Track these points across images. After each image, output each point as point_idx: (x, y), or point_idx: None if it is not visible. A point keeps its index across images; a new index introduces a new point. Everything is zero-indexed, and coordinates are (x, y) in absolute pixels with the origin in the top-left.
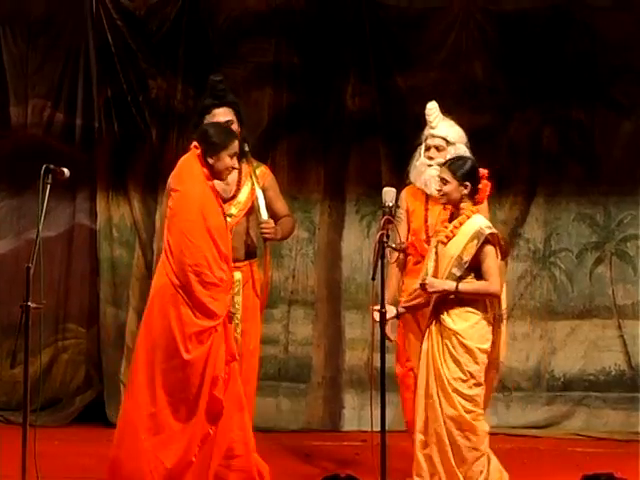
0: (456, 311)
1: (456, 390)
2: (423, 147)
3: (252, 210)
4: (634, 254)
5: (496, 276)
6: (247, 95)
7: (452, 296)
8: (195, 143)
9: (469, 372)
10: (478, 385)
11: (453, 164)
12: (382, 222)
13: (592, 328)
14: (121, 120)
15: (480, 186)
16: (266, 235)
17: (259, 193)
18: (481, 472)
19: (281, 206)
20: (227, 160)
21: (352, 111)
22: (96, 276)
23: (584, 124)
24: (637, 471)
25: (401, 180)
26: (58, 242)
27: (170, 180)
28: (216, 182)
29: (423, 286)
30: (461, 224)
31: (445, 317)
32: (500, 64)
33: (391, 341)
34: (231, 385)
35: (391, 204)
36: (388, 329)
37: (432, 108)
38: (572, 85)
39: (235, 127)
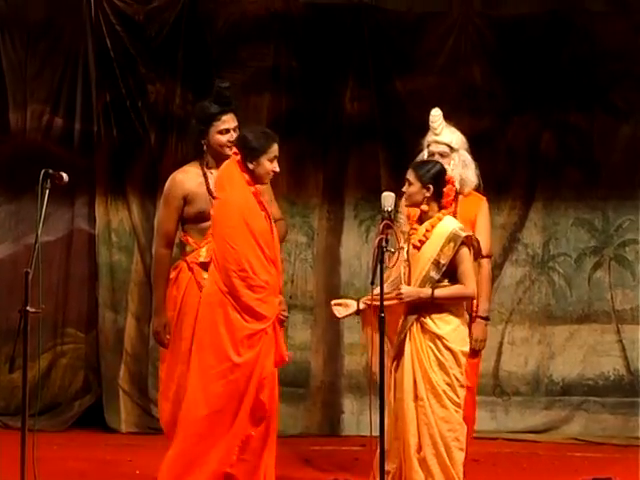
0: (437, 315)
1: (445, 392)
2: (426, 153)
3: None
4: (633, 259)
5: (472, 279)
6: (246, 99)
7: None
8: (235, 149)
9: (453, 375)
10: (462, 387)
11: (419, 166)
12: (381, 227)
13: (591, 333)
14: (120, 125)
15: (445, 190)
16: None
17: None
18: (462, 472)
19: (274, 210)
20: (267, 164)
21: (351, 115)
22: (95, 281)
23: (583, 129)
24: (636, 476)
25: (400, 185)
26: (57, 247)
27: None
28: (212, 187)
29: (399, 296)
30: (433, 227)
31: (428, 321)
32: (499, 69)
33: None
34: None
35: (390, 209)
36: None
37: (436, 115)
38: (571, 90)
39: (233, 134)
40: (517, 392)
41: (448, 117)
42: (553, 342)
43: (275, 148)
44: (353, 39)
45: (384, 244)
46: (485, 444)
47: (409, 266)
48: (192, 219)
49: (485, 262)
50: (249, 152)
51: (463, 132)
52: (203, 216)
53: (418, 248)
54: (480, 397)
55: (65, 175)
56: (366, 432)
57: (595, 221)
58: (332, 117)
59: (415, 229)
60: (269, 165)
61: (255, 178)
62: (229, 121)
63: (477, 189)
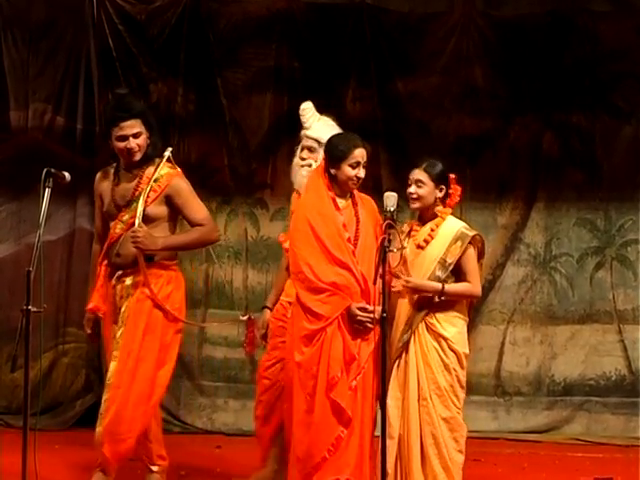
0: (443, 316)
1: (448, 393)
2: (300, 147)
3: (151, 217)
4: (634, 259)
5: (478, 278)
6: (248, 100)
7: (436, 299)
8: (323, 155)
9: (456, 376)
10: (462, 387)
11: (428, 166)
12: (384, 226)
13: (592, 333)
14: None
15: (450, 190)
16: (135, 243)
17: (141, 199)
18: (461, 476)
19: (189, 214)
20: (348, 170)
21: (352, 116)
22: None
23: (584, 129)
24: (637, 476)
25: (402, 184)
26: (59, 246)
27: None
28: (118, 189)
29: (408, 283)
30: (438, 226)
31: (434, 322)
32: (500, 69)
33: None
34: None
35: (392, 209)
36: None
37: (306, 108)
38: (572, 90)
39: (144, 137)
40: (519, 392)
41: (450, 117)
42: (555, 342)
43: (357, 154)
44: (355, 39)
45: (386, 244)
46: (486, 444)
47: (405, 264)
48: (106, 218)
49: None
50: (330, 157)
51: (465, 132)
52: (108, 216)
53: (423, 248)
54: (482, 397)
55: (67, 174)
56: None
57: (597, 221)
58: (334, 117)
59: (417, 229)
60: (351, 171)
61: (338, 183)
62: (126, 128)
63: None
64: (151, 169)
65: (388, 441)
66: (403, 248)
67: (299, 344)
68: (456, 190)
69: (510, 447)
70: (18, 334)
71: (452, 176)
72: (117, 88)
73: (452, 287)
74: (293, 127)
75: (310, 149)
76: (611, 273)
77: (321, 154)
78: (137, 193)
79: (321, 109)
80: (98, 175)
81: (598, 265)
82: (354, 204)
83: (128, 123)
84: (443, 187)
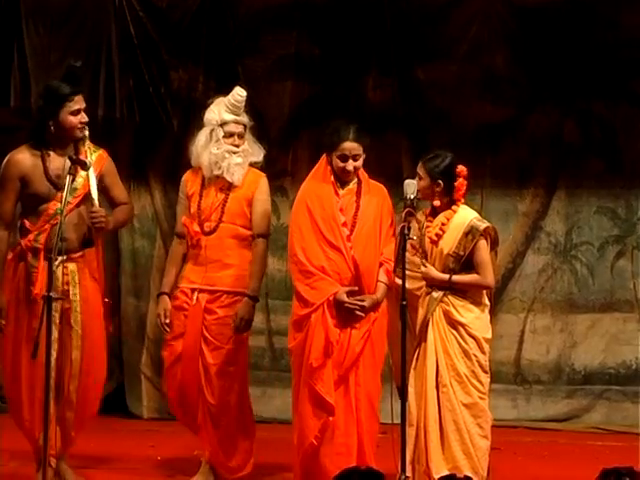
0: (460, 303)
1: (468, 378)
2: (221, 133)
3: (86, 198)
4: None
5: (489, 269)
6: (268, 87)
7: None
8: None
9: (477, 361)
10: (486, 372)
11: (430, 161)
12: (404, 214)
13: (613, 322)
14: (143, 111)
15: (456, 184)
16: (97, 224)
17: (92, 180)
18: (487, 462)
19: (119, 193)
20: (337, 162)
21: (373, 103)
22: (117, 267)
23: (605, 118)
24: None
25: None
26: None
27: None
28: (52, 169)
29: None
30: (448, 219)
31: (451, 309)
32: (521, 57)
33: None
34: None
35: (412, 196)
36: None
37: (244, 96)
38: (593, 78)
39: (84, 115)
40: (538, 381)
41: (470, 105)
42: (575, 331)
43: (344, 147)
44: (375, 27)
45: (406, 231)
46: (506, 432)
47: (426, 257)
48: (28, 202)
49: (260, 241)
50: (324, 146)
51: (485, 120)
52: (39, 199)
53: (435, 242)
54: (502, 385)
55: (88, 160)
56: (387, 420)
57: (618, 209)
58: (354, 105)
59: (430, 222)
60: (339, 163)
61: (333, 170)
62: (80, 102)
63: (259, 166)
64: (81, 149)
65: (407, 429)
66: (423, 235)
67: (292, 330)
68: (462, 185)
69: (530, 436)
70: (40, 321)
71: (461, 170)
72: (71, 60)
73: (460, 278)
74: (314, 115)
75: (240, 135)
76: (632, 262)
77: (248, 139)
78: (76, 173)
79: (341, 97)
80: (15, 157)
81: (619, 254)
82: (358, 191)
83: (81, 97)
84: (441, 182)
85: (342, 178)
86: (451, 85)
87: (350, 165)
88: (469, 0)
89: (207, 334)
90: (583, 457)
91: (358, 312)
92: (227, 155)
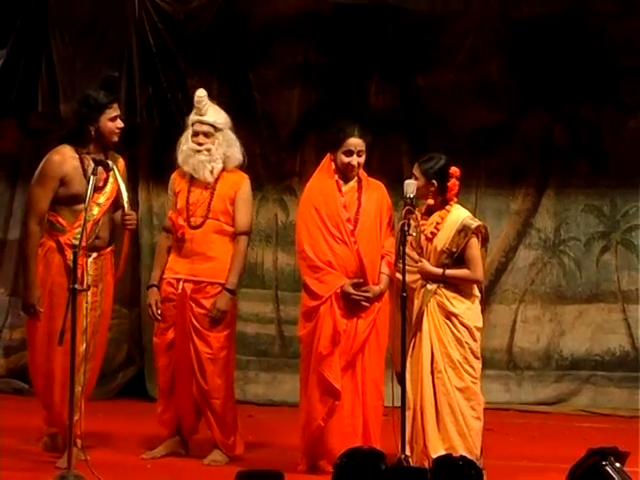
0: (453, 295)
1: (461, 364)
2: (190, 132)
3: (116, 201)
4: (638, 243)
5: (479, 265)
6: (278, 93)
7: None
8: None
9: (470, 348)
10: (477, 358)
11: (425, 162)
12: (403, 212)
13: (598, 312)
14: (161, 116)
15: (449, 184)
16: (130, 226)
17: (122, 185)
18: (480, 441)
19: (124, 197)
20: (342, 157)
21: (375, 109)
22: (138, 261)
23: (592, 122)
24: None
25: None
26: None
27: None
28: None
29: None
30: (443, 218)
31: (444, 301)
32: (514, 65)
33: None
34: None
35: (412, 195)
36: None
37: (202, 96)
38: (581, 85)
39: (120, 121)
40: (529, 367)
41: (467, 110)
42: (563, 320)
43: (350, 142)
44: (378, 37)
45: (406, 228)
46: (499, 415)
47: (422, 253)
48: (65, 201)
49: (242, 239)
50: (329, 144)
51: (480, 124)
52: (77, 199)
53: (430, 240)
54: (495, 371)
55: (110, 162)
56: (388, 403)
57: (603, 208)
58: (358, 110)
59: (425, 220)
60: (345, 158)
61: (337, 168)
62: (117, 109)
63: (241, 167)
64: (108, 153)
65: (406, 411)
66: (421, 232)
67: (302, 319)
68: (454, 185)
69: (521, 418)
70: (65, 311)
71: (454, 170)
72: (109, 70)
73: (452, 273)
74: (320, 119)
75: (206, 134)
76: (616, 256)
77: (218, 138)
78: (107, 177)
79: (346, 102)
80: (56, 158)
81: (604, 249)
82: (359, 188)
83: (117, 104)
84: (435, 182)
85: (346, 174)
86: (449, 91)
87: (355, 160)
88: (466, 12)
89: (197, 324)
90: (571, 438)
91: (364, 302)
92: (191, 153)
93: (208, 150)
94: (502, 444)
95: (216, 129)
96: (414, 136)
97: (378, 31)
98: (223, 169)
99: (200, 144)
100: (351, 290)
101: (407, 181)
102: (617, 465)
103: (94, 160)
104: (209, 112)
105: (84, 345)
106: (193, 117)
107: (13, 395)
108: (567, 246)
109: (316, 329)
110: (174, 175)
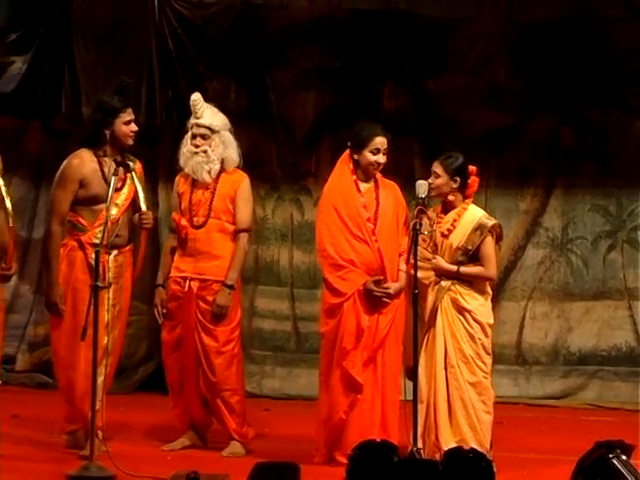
0: (466, 291)
1: (474, 360)
2: (190, 135)
3: (134, 201)
4: None
5: (493, 263)
6: (294, 96)
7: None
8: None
9: (482, 344)
10: (488, 354)
11: (446, 159)
12: (416, 211)
13: (605, 308)
14: (181, 119)
15: (469, 181)
16: (147, 225)
17: (139, 186)
18: (490, 435)
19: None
20: (369, 156)
21: (388, 111)
22: (157, 260)
23: (598, 124)
24: None
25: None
26: None
27: None
28: (108, 173)
29: (431, 263)
30: (459, 216)
31: (458, 297)
32: (522, 70)
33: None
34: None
35: (423, 195)
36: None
37: (197, 99)
38: (588, 89)
39: (134, 125)
40: (538, 362)
41: (476, 113)
42: (571, 317)
43: (377, 141)
44: (390, 42)
45: (418, 227)
46: (508, 408)
47: (436, 250)
48: (84, 201)
49: (242, 236)
50: (353, 144)
51: (490, 126)
52: (96, 199)
53: (446, 236)
54: (504, 366)
55: (132, 163)
56: (401, 396)
57: (610, 207)
58: (371, 112)
59: (441, 218)
60: (371, 157)
61: (360, 168)
62: (131, 113)
63: (238, 167)
64: (125, 155)
65: (418, 405)
66: (433, 231)
67: (324, 316)
68: (474, 182)
69: (529, 411)
70: (87, 307)
71: (472, 168)
72: (124, 77)
73: (466, 270)
74: (335, 121)
75: (203, 136)
76: (622, 254)
77: (215, 140)
78: (125, 178)
79: (360, 105)
80: (75, 162)
81: (610, 247)
82: (376, 188)
83: (131, 109)
84: (458, 179)
85: (370, 172)
86: (459, 95)
87: (381, 158)
88: (475, 18)
89: (202, 319)
90: (578, 431)
91: (385, 299)
92: (189, 155)
93: (204, 152)
94: (511, 437)
95: (212, 131)
96: (425, 138)
97: (391, 36)
98: (222, 170)
99: (197, 146)
100: (373, 287)
101: (419, 181)
102: (623, 457)
103: (115, 161)
104: (205, 115)
105: (106, 339)
106: (191, 120)
107: (37, 389)
108: (574, 245)
109: (340, 325)
110: (178, 177)
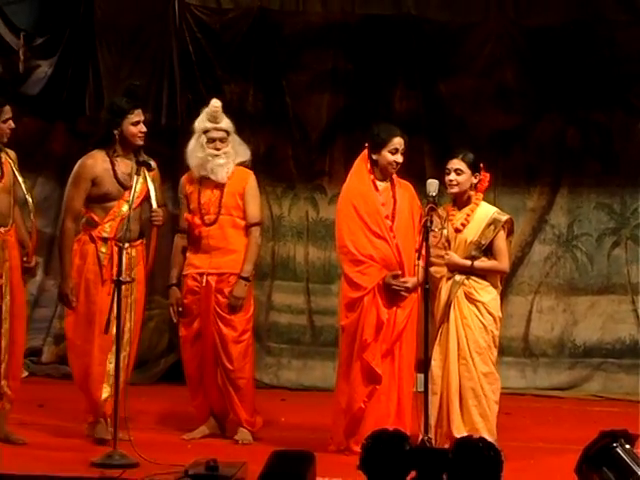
0: (480, 285)
1: (486, 351)
2: (205, 139)
3: (146, 199)
4: None
5: (506, 256)
6: (309, 98)
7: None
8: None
9: (493, 336)
10: (496, 347)
11: (465, 156)
12: (426, 210)
13: (609, 303)
14: None
15: (481, 177)
16: (157, 223)
17: (150, 184)
18: (495, 424)
19: (160, 197)
20: (387, 156)
21: (400, 113)
22: None
23: (603, 125)
24: None
25: (443, 173)
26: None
27: None
28: (119, 172)
29: (445, 257)
30: (473, 211)
31: (472, 291)
32: (530, 72)
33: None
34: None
35: (434, 194)
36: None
37: (218, 106)
38: (593, 90)
39: (143, 125)
40: (544, 354)
41: (485, 114)
42: (576, 311)
43: (396, 141)
44: (402, 46)
45: (429, 224)
46: (516, 399)
47: (449, 246)
48: (97, 199)
49: (254, 229)
50: (372, 144)
51: (497, 127)
52: (108, 197)
53: (460, 231)
54: (512, 358)
55: (153, 162)
56: (412, 387)
57: (614, 205)
58: (383, 114)
59: (452, 215)
60: (390, 156)
61: (378, 168)
62: (139, 115)
63: (247, 164)
64: (137, 156)
65: (432, 397)
66: (443, 228)
67: (344, 310)
68: (485, 177)
69: (536, 402)
70: (111, 301)
71: (482, 165)
72: (132, 80)
73: (480, 264)
74: (348, 122)
75: (222, 140)
76: (626, 251)
77: (231, 142)
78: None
79: (372, 107)
80: (88, 162)
81: (614, 244)
82: (392, 187)
83: (140, 110)
84: (477, 174)
85: (388, 172)
86: (468, 97)
87: (399, 158)
88: (484, 22)
89: (220, 311)
90: (583, 421)
91: (403, 293)
92: (210, 158)
93: (225, 153)
94: (519, 427)
95: (228, 134)
96: (436, 138)
97: (402, 40)
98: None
99: (218, 149)
100: (392, 281)
101: (430, 180)
102: (627, 446)
103: (137, 162)
104: (224, 120)
105: (127, 325)
106: (207, 124)
107: (62, 380)
108: (580, 241)
109: (360, 318)
110: (183, 180)
